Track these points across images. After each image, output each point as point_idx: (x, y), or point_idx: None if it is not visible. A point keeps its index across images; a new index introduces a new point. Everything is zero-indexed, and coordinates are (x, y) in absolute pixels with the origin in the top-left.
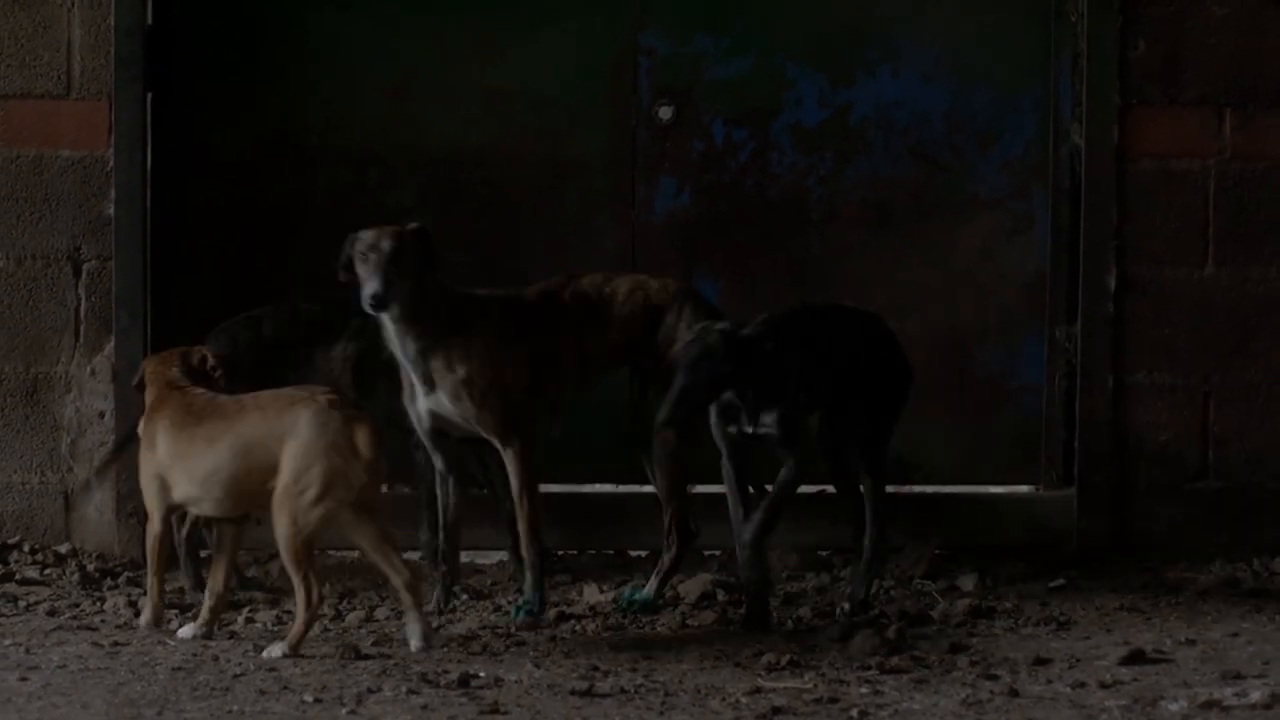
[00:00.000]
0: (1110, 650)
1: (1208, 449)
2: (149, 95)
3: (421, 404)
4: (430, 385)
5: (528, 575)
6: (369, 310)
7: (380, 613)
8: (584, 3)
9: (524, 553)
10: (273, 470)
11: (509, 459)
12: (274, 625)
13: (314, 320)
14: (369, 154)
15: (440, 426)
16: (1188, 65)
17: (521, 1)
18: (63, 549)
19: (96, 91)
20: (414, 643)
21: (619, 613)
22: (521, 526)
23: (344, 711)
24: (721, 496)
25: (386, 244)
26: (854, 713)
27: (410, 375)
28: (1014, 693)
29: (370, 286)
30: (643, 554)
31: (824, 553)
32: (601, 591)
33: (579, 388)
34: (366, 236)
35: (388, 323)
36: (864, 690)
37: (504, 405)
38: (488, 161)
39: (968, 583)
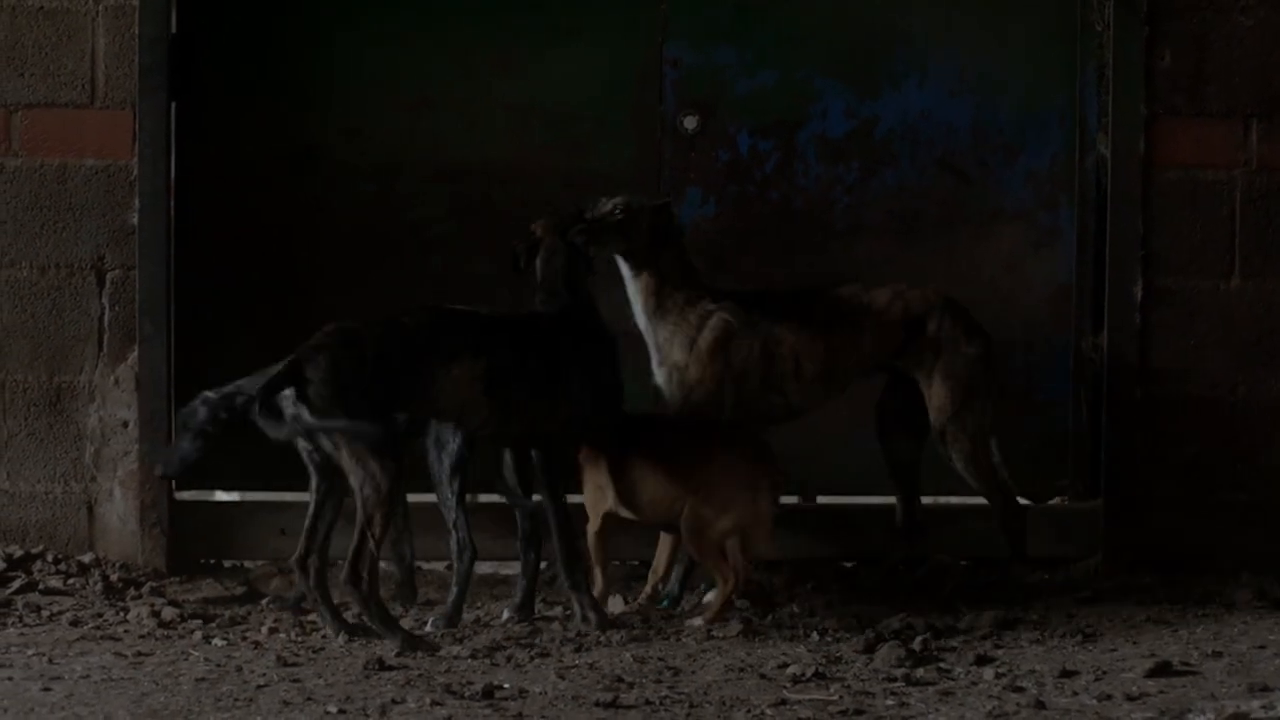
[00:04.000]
0: (1137, 662)
1: (1234, 461)
2: (173, 105)
3: (656, 375)
4: (659, 357)
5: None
6: (576, 240)
7: (404, 623)
8: (608, 15)
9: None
10: None
11: None
12: (297, 636)
13: (423, 334)
14: (393, 166)
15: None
16: (1214, 76)
17: (545, 14)
18: (86, 559)
19: (121, 101)
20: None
21: None
22: None
23: None
24: None
25: (615, 201)
26: None
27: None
28: (1040, 705)
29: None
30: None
31: (848, 564)
32: (626, 603)
33: (825, 392)
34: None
35: (627, 283)
36: (890, 702)
37: (721, 391)
38: (512, 174)
39: (994, 594)
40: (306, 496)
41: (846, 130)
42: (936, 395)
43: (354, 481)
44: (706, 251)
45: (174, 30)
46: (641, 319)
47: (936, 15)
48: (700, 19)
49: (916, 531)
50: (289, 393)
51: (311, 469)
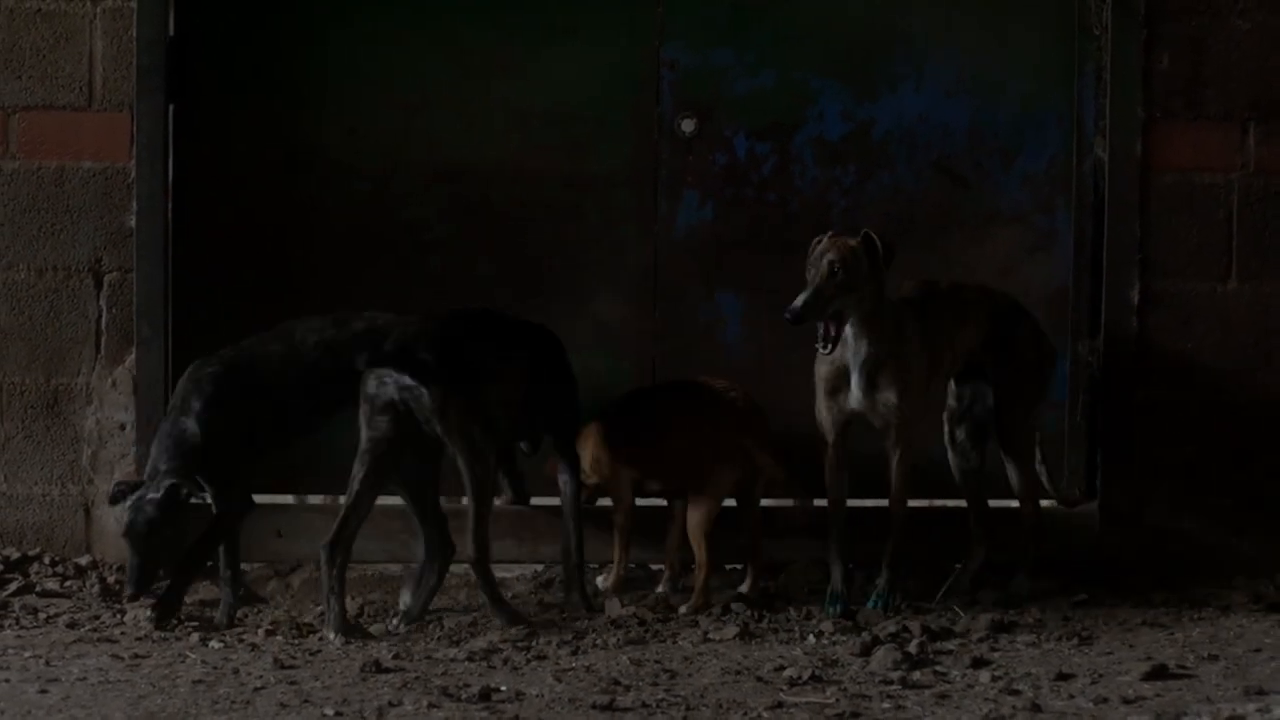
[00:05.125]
0: (1133, 665)
1: (1231, 464)
2: (171, 107)
3: (851, 399)
4: (871, 385)
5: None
6: (786, 319)
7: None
8: (606, 16)
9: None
10: None
11: (898, 456)
12: (296, 639)
13: (497, 332)
14: (390, 168)
15: (849, 421)
16: (1211, 80)
17: (543, 16)
18: (83, 561)
19: (118, 103)
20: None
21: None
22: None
23: None
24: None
25: (825, 260)
26: None
27: (852, 372)
28: (1036, 708)
29: (794, 303)
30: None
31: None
32: (623, 605)
33: (943, 386)
34: (815, 249)
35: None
36: (886, 705)
37: (915, 407)
38: (509, 176)
39: (989, 597)
40: (301, 499)
41: (843, 133)
42: (1005, 394)
43: (463, 461)
44: (703, 255)
45: (171, 32)
46: (852, 352)
47: (933, 17)
48: (697, 20)
49: (989, 536)
50: (386, 375)
51: (368, 459)
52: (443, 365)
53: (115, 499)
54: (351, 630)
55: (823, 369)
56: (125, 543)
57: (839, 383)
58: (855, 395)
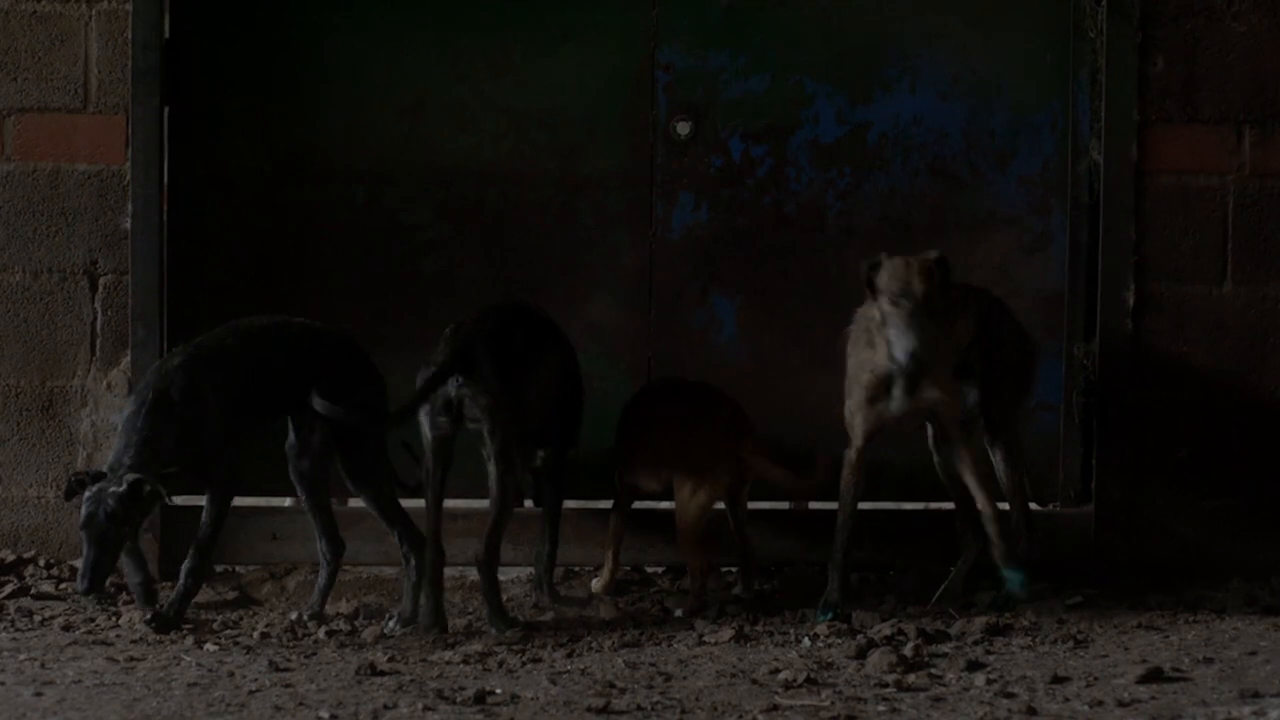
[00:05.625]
0: (1128, 668)
1: (1226, 466)
2: (166, 109)
3: (893, 404)
4: (915, 386)
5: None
6: (903, 365)
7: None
8: (601, 19)
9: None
10: None
11: (966, 455)
12: (290, 641)
13: (536, 329)
14: (385, 171)
15: (882, 428)
16: (1206, 82)
17: (538, 18)
18: (78, 563)
19: (113, 105)
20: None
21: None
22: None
23: None
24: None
25: (920, 288)
26: None
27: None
28: (1031, 711)
29: (907, 344)
30: (659, 569)
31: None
32: (618, 608)
33: None
34: (898, 275)
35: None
36: (881, 708)
37: (954, 402)
38: (505, 178)
39: (984, 600)
40: (292, 500)
41: (838, 135)
42: (992, 393)
43: (495, 466)
44: (699, 258)
45: (167, 34)
46: (905, 345)
47: (928, 20)
48: (692, 24)
49: (979, 536)
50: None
51: (435, 457)
52: (498, 368)
53: (71, 491)
54: (435, 625)
55: (864, 377)
56: (82, 535)
57: (880, 390)
58: (898, 399)
